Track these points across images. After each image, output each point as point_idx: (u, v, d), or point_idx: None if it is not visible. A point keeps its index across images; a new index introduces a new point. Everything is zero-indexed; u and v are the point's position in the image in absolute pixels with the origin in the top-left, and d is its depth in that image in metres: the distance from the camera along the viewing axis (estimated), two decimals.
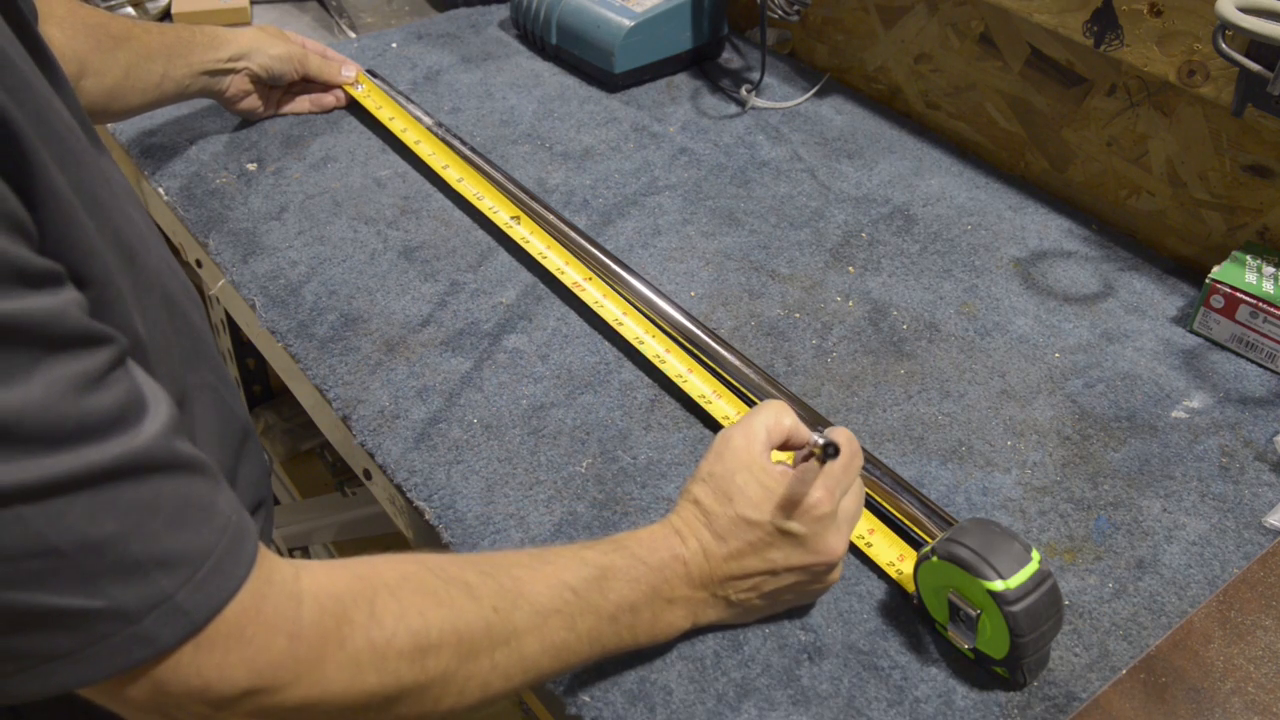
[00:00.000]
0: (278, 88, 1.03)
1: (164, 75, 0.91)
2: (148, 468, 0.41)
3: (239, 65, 0.96)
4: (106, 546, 0.40)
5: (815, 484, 0.57)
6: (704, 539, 0.58)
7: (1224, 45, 0.71)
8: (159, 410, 0.43)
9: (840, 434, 0.61)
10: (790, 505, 0.57)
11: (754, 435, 0.60)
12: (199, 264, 0.94)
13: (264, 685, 0.44)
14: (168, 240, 1.08)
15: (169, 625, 0.42)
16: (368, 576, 0.49)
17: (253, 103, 1.01)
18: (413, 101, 1.03)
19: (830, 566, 0.59)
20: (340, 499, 1.39)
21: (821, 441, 0.56)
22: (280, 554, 0.91)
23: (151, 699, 0.43)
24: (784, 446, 0.62)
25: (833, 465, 0.58)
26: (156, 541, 0.41)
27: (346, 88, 1.06)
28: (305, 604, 0.46)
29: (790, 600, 0.61)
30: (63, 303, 0.41)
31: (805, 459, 0.59)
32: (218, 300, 1.08)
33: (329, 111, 1.07)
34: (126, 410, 0.42)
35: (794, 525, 0.57)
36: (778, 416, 0.61)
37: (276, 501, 1.50)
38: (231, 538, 0.44)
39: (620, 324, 0.80)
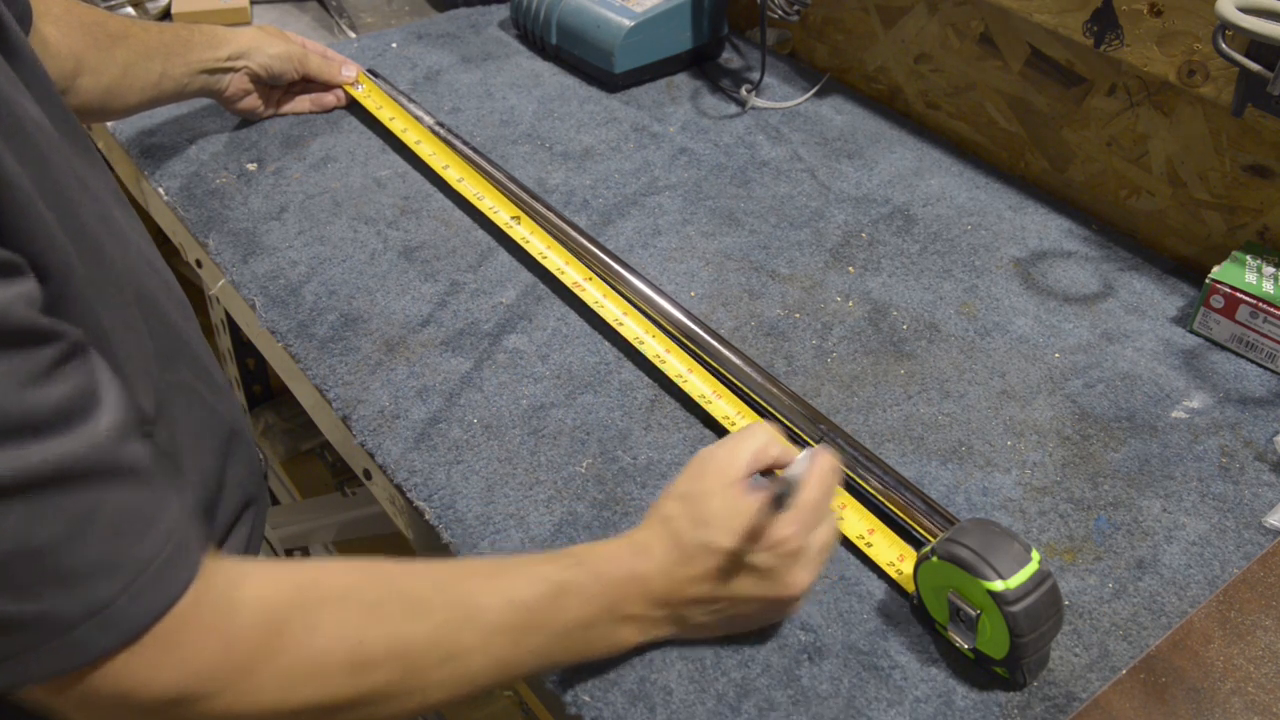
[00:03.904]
0: (278, 87, 1.03)
1: (162, 74, 0.91)
2: (91, 473, 0.41)
3: (238, 64, 0.96)
4: (45, 553, 0.40)
5: (786, 518, 0.56)
6: (669, 558, 0.56)
7: (1224, 45, 0.71)
8: (110, 411, 0.43)
9: (821, 461, 0.59)
10: (758, 536, 0.55)
11: (737, 459, 0.58)
12: (199, 264, 0.94)
13: (193, 693, 0.44)
14: (164, 241, 1.08)
15: (104, 633, 0.42)
16: (311, 586, 0.49)
17: (252, 102, 1.01)
18: (414, 101, 1.03)
19: (792, 600, 0.58)
20: (340, 499, 1.38)
21: (779, 481, 0.55)
22: (276, 554, 0.90)
23: (83, 702, 0.43)
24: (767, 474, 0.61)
25: (806, 498, 0.57)
26: (95, 549, 0.41)
27: (347, 88, 1.06)
28: (241, 612, 0.46)
29: (747, 626, 0.60)
30: (10, 297, 0.40)
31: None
32: (218, 300, 1.08)
33: (329, 111, 1.07)
34: (73, 407, 0.41)
35: (761, 558, 0.56)
36: (765, 445, 0.59)
37: (276, 501, 1.50)
38: (175, 546, 0.44)
39: (620, 324, 0.80)
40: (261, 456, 0.81)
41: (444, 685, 0.51)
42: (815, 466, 0.58)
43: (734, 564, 0.56)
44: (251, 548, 0.71)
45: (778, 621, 0.61)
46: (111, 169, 1.10)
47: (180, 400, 0.61)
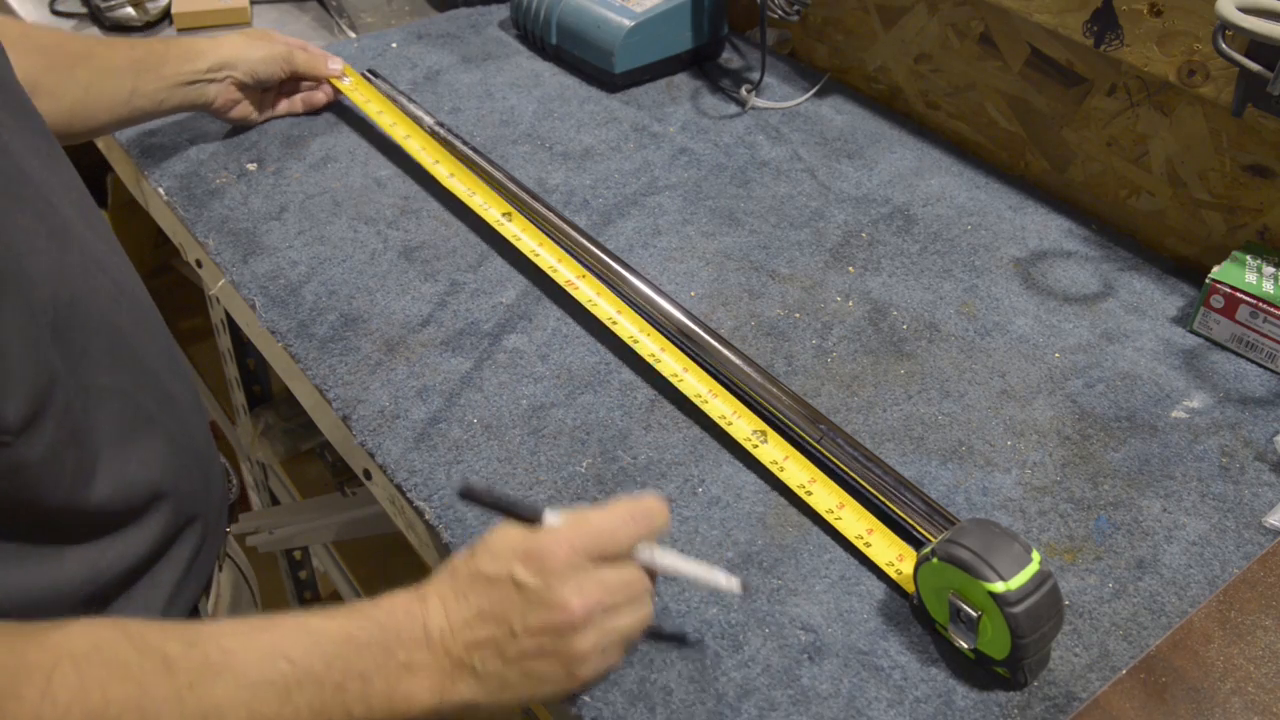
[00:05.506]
0: (269, 90, 1.02)
1: (133, 90, 0.89)
2: None
3: (220, 75, 0.95)
4: None
5: (551, 534, 0.54)
6: (445, 597, 0.54)
7: (1224, 45, 0.71)
8: None
9: (630, 504, 0.57)
10: (528, 557, 0.54)
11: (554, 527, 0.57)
12: (199, 264, 0.94)
13: None
14: (164, 241, 1.09)
15: None
16: (53, 646, 0.47)
17: (244, 110, 0.99)
18: (413, 101, 1.03)
19: (568, 626, 0.53)
20: (340, 499, 1.38)
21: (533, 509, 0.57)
22: (247, 562, 0.87)
23: None
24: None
25: (588, 520, 0.55)
26: None
27: (334, 81, 1.05)
28: None
29: (543, 674, 0.55)
30: None
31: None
32: (218, 300, 1.08)
33: (322, 108, 1.06)
34: None
35: (526, 575, 0.53)
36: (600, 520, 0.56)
37: (276, 501, 1.50)
38: None
39: (614, 323, 0.79)
40: (232, 477, 0.78)
41: None
42: (617, 506, 0.57)
43: (503, 588, 0.54)
44: (197, 568, 0.69)
45: (584, 677, 0.56)
46: (111, 169, 1.10)
47: (108, 404, 0.59)
